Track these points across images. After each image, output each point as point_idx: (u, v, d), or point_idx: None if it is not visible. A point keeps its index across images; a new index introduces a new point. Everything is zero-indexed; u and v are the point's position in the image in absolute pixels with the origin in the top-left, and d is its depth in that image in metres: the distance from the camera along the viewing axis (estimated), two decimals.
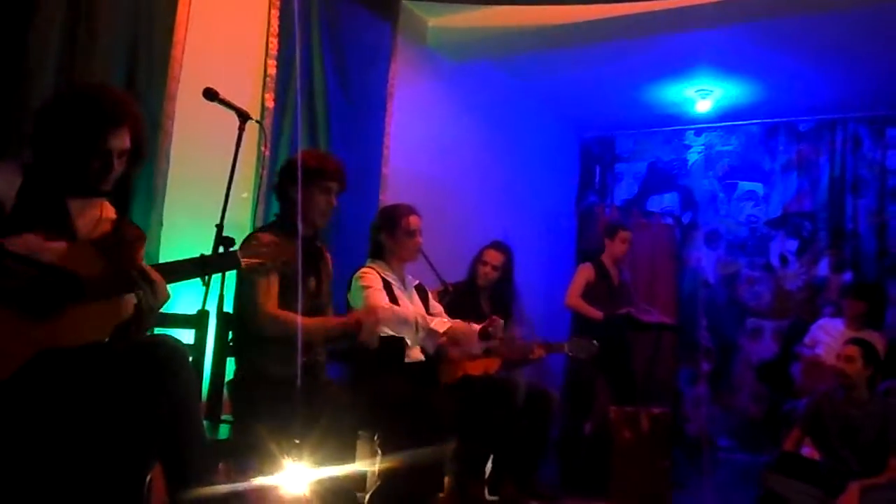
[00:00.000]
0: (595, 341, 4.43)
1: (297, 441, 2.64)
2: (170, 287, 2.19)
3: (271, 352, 2.85)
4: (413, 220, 3.65)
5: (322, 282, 3.14)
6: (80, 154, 2.15)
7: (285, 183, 3.11)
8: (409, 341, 3.50)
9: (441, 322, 3.62)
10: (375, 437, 3.10)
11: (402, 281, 3.69)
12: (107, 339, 2.10)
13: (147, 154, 2.45)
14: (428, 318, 3.60)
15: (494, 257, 4.45)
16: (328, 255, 3.29)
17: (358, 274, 3.55)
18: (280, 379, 2.80)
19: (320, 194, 3.06)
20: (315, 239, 3.17)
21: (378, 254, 3.69)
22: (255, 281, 2.82)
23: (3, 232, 2.01)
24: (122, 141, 2.20)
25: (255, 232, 3.06)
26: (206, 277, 2.36)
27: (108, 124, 2.17)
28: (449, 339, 3.63)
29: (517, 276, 4.58)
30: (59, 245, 2.06)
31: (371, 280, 3.48)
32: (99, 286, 2.06)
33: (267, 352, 2.86)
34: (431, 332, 3.55)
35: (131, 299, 2.12)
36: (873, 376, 3.95)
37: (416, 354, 3.56)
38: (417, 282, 3.82)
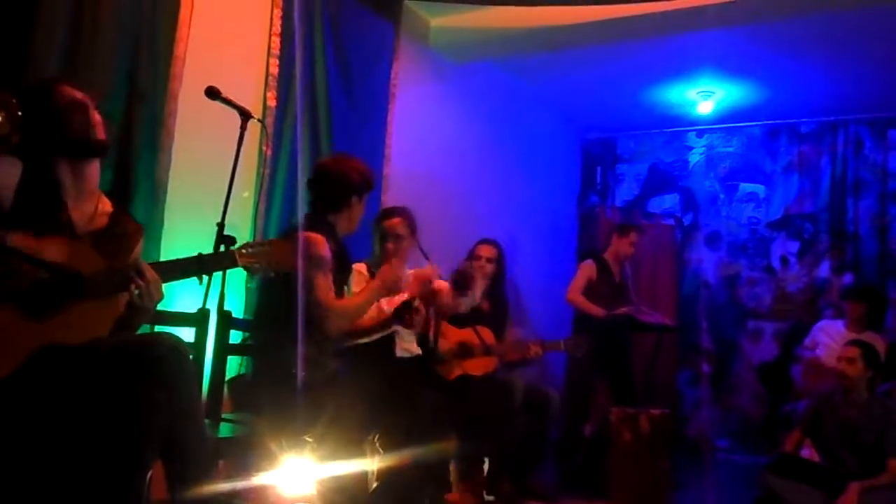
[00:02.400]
0: (590, 338, 4.44)
1: (308, 439, 2.64)
2: (170, 285, 2.20)
3: (294, 353, 2.85)
4: (389, 223, 3.67)
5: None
6: (57, 116, 2.18)
7: (350, 192, 3.09)
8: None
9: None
10: (376, 438, 3.10)
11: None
12: (106, 336, 2.10)
13: None
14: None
15: (488, 251, 4.46)
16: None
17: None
18: (300, 378, 2.80)
19: (364, 206, 3.17)
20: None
21: (373, 254, 3.74)
22: (314, 280, 2.77)
23: (4, 226, 2.02)
24: (77, 92, 2.24)
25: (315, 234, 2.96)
26: (205, 276, 2.36)
27: (58, 81, 2.24)
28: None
29: (518, 277, 4.59)
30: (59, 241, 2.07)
31: (357, 280, 3.49)
32: (98, 283, 2.06)
33: (290, 353, 2.85)
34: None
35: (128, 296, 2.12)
36: (873, 378, 3.96)
37: (411, 348, 3.56)
38: None
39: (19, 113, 1.96)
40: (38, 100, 2.18)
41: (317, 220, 3.03)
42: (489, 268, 4.44)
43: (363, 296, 3.01)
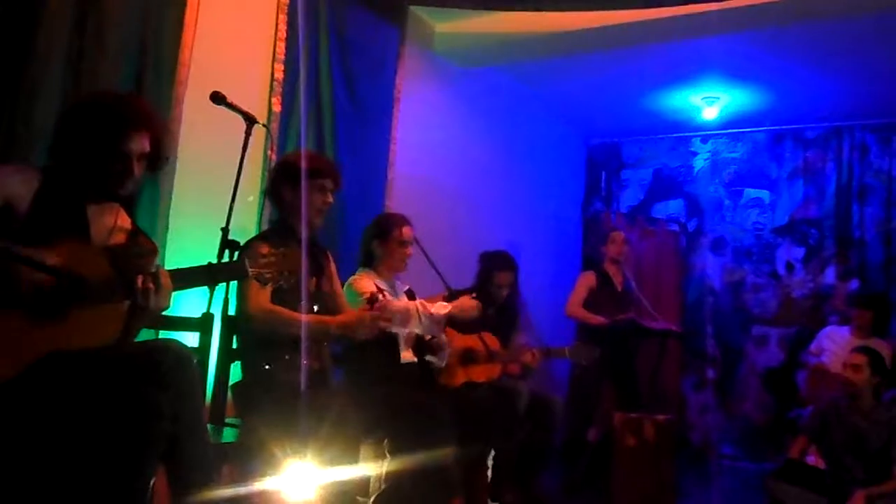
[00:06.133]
0: (597, 347, 4.43)
1: (302, 445, 2.63)
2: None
3: (278, 356, 2.86)
4: (406, 230, 3.66)
5: (323, 283, 3.14)
6: (100, 156, 2.19)
7: (278, 185, 3.09)
8: (417, 331, 3.51)
9: (441, 306, 3.63)
10: (385, 442, 3.10)
11: (393, 288, 3.70)
12: (113, 342, 2.10)
13: (166, 160, 2.45)
14: (426, 304, 3.63)
15: (507, 278, 4.40)
16: (329, 255, 3.29)
17: (351, 280, 3.57)
18: (287, 383, 2.80)
19: (315, 193, 3.03)
20: (315, 239, 3.16)
21: (369, 262, 3.71)
22: (245, 289, 2.81)
23: (17, 233, 2.02)
24: (142, 145, 2.24)
25: (253, 241, 2.98)
26: (214, 286, 2.36)
27: (128, 127, 2.21)
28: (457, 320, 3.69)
29: (523, 283, 4.57)
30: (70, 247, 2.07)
31: (364, 285, 3.49)
32: (103, 289, 2.06)
33: (274, 356, 2.86)
34: (434, 318, 3.58)
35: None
36: (879, 385, 3.95)
37: (407, 356, 3.56)
38: (407, 287, 3.83)
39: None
40: (94, 132, 2.18)
41: (275, 228, 3.09)
42: (507, 292, 4.41)
43: (321, 321, 2.95)
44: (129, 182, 2.25)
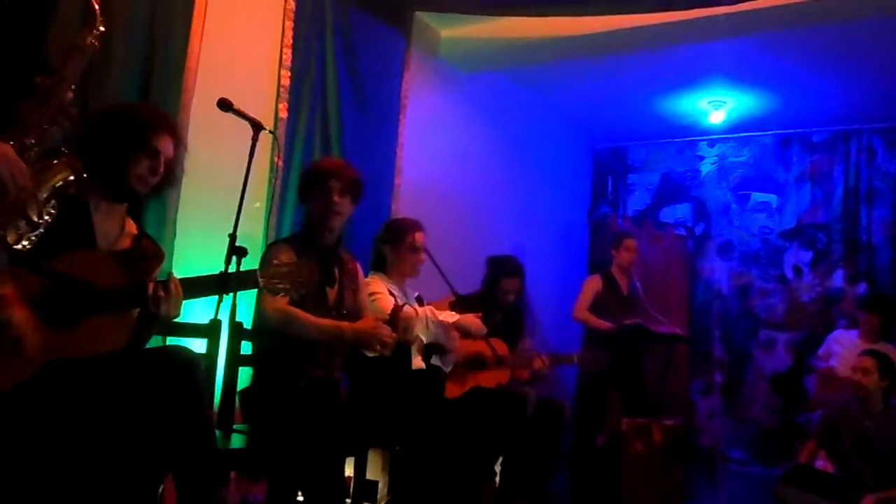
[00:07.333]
0: (605, 353, 4.42)
1: (310, 452, 2.64)
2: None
3: (290, 363, 2.86)
4: (419, 236, 3.66)
5: (345, 293, 3.11)
6: (130, 152, 2.23)
7: (299, 192, 3.20)
8: (423, 337, 3.51)
9: (449, 314, 3.64)
10: (397, 448, 3.10)
11: (404, 293, 3.70)
12: (123, 349, 2.10)
13: (181, 173, 2.47)
14: (435, 311, 3.62)
15: (514, 284, 4.40)
16: (356, 265, 3.26)
17: (364, 282, 3.55)
18: (296, 389, 2.80)
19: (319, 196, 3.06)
20: (338, 247, 3.15)
21: (380, 266, 3.70)
22: (262, 300, 2.83)
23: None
24: (168, 147, 2.30)
25: (277, 244, 3.02)
26: (224, 295, 2.37)
27: (158, 125, 2.28)
28: (460, 332, 3.64)
29: (528, 287, 4.57)
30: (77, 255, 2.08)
31: (378, 287, 3.49)
32: (114, 297, 2.06)
33: (286, 363, 2.86)
34: (442, 325, 3.57)
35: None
36: (888, 388, 3.93)
37: (417, 363, 3.56)
38: (417, 293, 3.83)
39: (84, 175, 2.01)
40: (125, 128, 2.23)
41: (300, 233, 3.11)
42: (513, 298, 4.41)
43: (324, 324, 2.91)
44: (151, 182, 2.28)
